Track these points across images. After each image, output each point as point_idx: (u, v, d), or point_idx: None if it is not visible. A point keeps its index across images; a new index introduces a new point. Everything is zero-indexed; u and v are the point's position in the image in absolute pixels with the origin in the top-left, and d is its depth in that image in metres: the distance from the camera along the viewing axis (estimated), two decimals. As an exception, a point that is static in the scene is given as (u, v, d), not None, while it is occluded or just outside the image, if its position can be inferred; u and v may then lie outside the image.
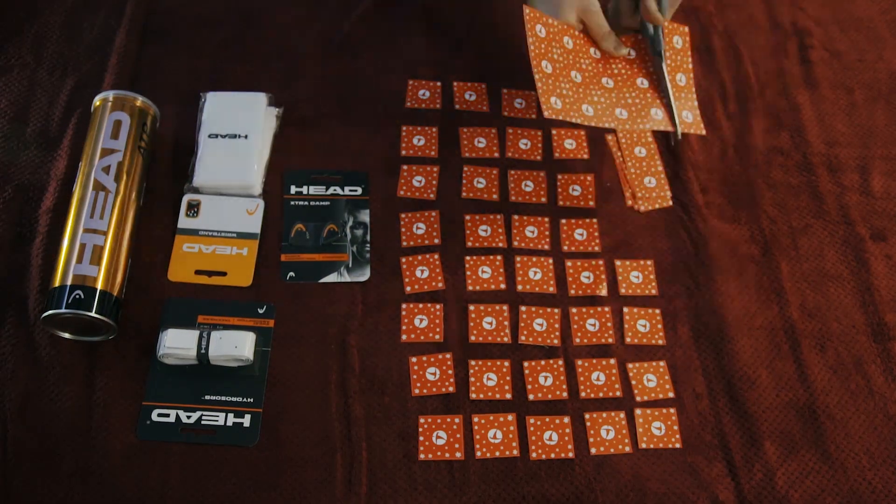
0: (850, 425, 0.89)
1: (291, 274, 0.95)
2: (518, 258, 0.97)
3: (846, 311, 0.96)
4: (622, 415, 0.89)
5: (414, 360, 0.91)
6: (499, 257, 0.97)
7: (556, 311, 0.94)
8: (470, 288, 0.95)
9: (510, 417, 0.88)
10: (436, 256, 0.97)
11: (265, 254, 0.96)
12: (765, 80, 1.13)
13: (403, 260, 0.96)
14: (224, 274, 0.94)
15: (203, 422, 0.86)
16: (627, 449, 0.87)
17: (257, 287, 0.94)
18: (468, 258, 0.97)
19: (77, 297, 0.86)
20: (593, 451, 0.87)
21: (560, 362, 0.92)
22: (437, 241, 0.98)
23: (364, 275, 0.95)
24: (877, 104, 1.11)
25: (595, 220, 1.00)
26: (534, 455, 0.86)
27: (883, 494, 0.85)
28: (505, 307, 0.94)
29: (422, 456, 0.86)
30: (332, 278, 0.95)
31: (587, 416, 0.89)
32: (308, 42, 1.11)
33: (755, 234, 1.00)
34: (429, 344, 0.92)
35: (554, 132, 1.06)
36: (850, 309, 0.96)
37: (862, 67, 1.15)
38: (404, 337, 0.92)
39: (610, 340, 0.93)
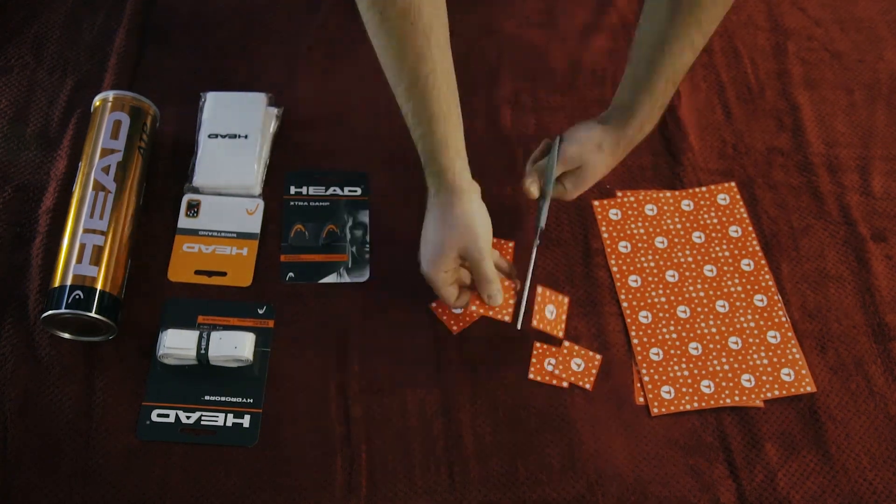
0: (850, 426, 0.89)
1: (291, 274, 0.95)
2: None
3: (847, 312, 0.96)
4: None
5: (414, 360, 0.91)
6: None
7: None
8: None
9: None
10: None
11: (265, 254, 0.96)
12: (765, 80, 1.12)
13: None
14: (224, 274, 0.94)
15: (203, 422, 0.86)
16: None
17: (257, 287, 0.94)
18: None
19: (77, 297, 0.85)
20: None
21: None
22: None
23: (363, 275, 0.95)
24: (877, 104, 1.11)
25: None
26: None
27: (884, 495, 0.85)
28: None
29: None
30: (331, 279, 0.95)
31: None
32: (308, 42, 1.11)
33: (756, 235, 1.00)
34: (429, 344, 0.92)
35: None
36: (851, 309, 0.96)
37: (862, 68, 1.15)
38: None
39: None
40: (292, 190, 1.00)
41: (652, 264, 0.96)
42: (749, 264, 0.97)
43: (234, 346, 0.87)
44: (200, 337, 0.87)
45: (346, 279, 0.95)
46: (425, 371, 0.90)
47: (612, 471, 0.86)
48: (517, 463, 0.86)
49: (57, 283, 0.87)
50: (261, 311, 0.92)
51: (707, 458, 0.87)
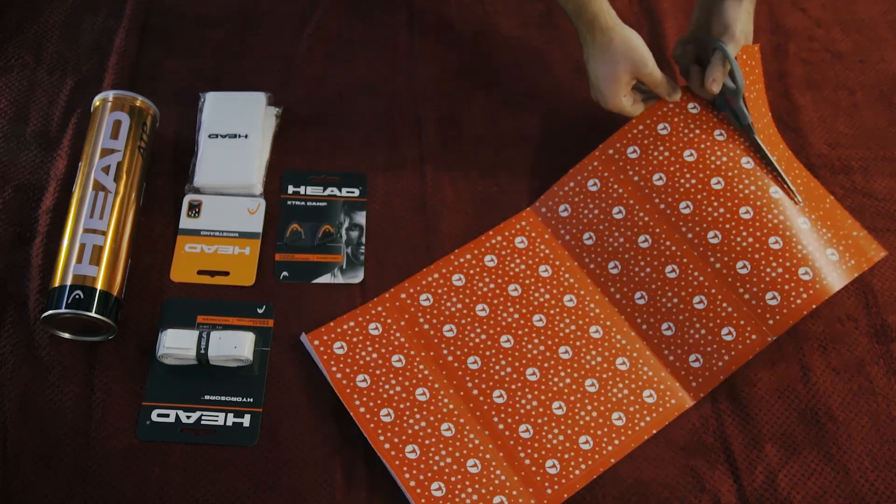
0: (852, 427, 0.89)
1: (285, 273, 0.94)
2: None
3: (848, 312, 0.95)
4: None
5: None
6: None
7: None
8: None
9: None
10: None
11: (266, 254, 0.96)
12: (766, 81, 1.12)
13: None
14: (227, 274, 0.94)
15: (203, 422, 0.86)
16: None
17: (258, 287, 0.94)
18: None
19: (77, 297, 0.85)
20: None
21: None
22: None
23: (357, 277, 0.95)
24: (879, 105, 1.11)
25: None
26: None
27: (885, 496, 0.85)
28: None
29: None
30: (325, 279, 0.94)
31: None
32: (307, 42, 1.11)
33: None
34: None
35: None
36: (853, 310, 0.96)
37: (864, 68, 1.14)
38: (404, 337, 0.92)
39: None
40: (290, 189, 1.00)
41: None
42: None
43: (234, 346, 0.87)
44: (200, 337, 0.87)
45: (341, 280, 0.94)
46: (425, 371, 0.90)
47: (613, 471, 0.85)
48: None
49: (57, 283, 0.87)
50: (260, 311, 0.92)
51: (707, 459, 0.87)
